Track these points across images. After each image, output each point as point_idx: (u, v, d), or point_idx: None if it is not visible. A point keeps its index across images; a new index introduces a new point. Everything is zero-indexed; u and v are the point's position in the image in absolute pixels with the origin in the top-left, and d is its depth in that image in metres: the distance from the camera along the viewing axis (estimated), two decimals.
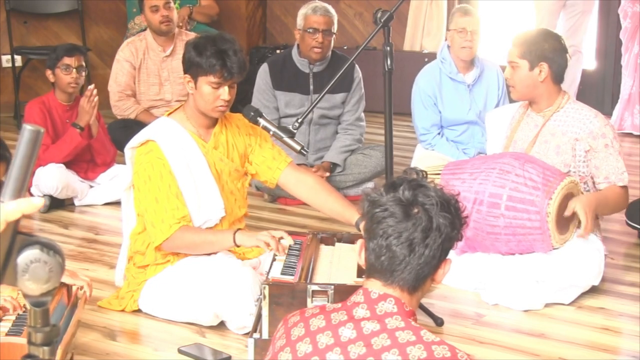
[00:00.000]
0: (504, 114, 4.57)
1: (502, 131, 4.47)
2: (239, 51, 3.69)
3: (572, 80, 7.22)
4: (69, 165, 5.36)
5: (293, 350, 2.05)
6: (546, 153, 4.19)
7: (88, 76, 6.70)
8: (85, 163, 5.48)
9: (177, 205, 3.67)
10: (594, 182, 4.19)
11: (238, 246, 3.66)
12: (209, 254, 3.79)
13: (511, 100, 5.70)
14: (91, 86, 5.31)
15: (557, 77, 4.21)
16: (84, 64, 5.38)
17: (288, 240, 3.55)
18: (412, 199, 2.05)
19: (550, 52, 4.18)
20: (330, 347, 2.00)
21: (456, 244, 2.13)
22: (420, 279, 2.06)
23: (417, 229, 2.03)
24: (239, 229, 3.72)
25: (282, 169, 3.88)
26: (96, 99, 5.26)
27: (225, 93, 3.69)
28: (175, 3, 6.61)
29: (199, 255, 3.78)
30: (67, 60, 5.30)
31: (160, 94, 6.10)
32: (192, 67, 3.71)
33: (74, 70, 5.31)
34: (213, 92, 3.69)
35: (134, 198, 3.82)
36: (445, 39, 5.74)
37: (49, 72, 5.37)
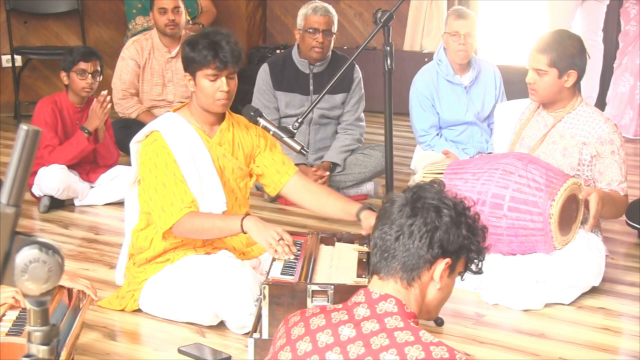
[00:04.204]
0: (514, 108, 4.56)
1: (510, 125, 4.46)
2: (232, 42, 3.70)
3: (594, 74, 7.20)
4: (71, 166, 5.36)
5: (293, 349, 2.05)
6: (552, 154, 4.19)
7: None
8: (88, 165, 5.47)
9: (185, 190, 3.67)
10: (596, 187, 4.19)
11: (245, 233, 3.64)
12: (209, 253, 3.79)
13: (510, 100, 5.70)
14: (104, 92, 5.29)
15: (580, 80, 4.21)
16: (99, 68, 5.36)
17: (292, 249, 3.53)
18: (413, 194, 2.09)
19: (578, 58, 4.14)
20: (330, 347, 2.01)
21: (472, 252, 2.12)
22: (409, 269, 2.07)
23: (403, 216, 2.06)
24: (247, 214, 3.71)
25: (290, 174, 3.89)
26: (109, 105, 5.26)
27: (223, 84, 3.70)
28: None
29: (199, 255, 3.78)
30: (83, 65, 5.27)
31: (163, 94, 6.10)
32: (189, 64, 3.73)
33: (90, 75, 5.29)
34: (212, 85, 3.70)
35: (139, 190, 3.82)
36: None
37: (63, 74, 5.35)
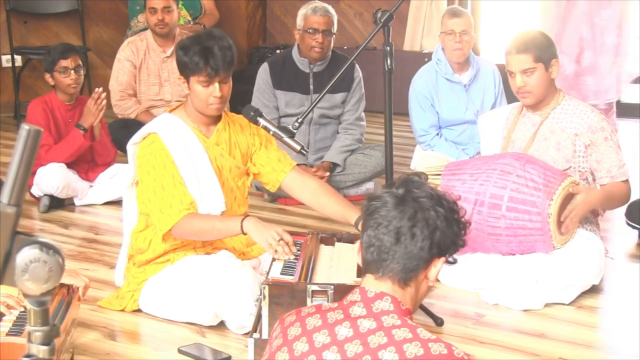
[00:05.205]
0: (497, 116, 4.57)
1: (496, 133, 4.46)
2: (225, 47, 3.69)
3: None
4: (69, 165, 5.36)
5: (290, 350, 2.05)
6: (546, 150, 4.20)
7: (88, 76, 6.71)
8: (86, 164, 5.47)
9: (184, 192, 3.67)
10: (594, 178, 4.19)
11: (245, 234, 3.63)
12: (209, 253, 3.80)
13: (509, 99, 5.70)
14: (99, 89, 5.29)
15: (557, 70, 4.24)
16: (81, 62, 5.37)
17: (292, 249, 3.54)
18: (405, 192, 2.07)
19: (554, 47, 4.22)
20: (327, 346, 2.01)
21: (457, 249, 2.12)
22: (408, 270, 2.06)
23: (404, 218, 2.04)
24: (247, 215, 3.71)
25: (287, 171, 3.88)
26: (104, 102, 5.26)
27: (216, 90, 3.70)
28: (179, 4, 6.58)
29: (199, 255, 3.78)
30: (63, 62, 5.28)
31: (160, 94, 6.10)
32: (182, 69, 3.75)
33: (72, 71, 5.29)
34: (204, 90, 3.71)
35: (137, 192, 3.83)
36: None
37: (47, 76, 5.35)
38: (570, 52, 6.59)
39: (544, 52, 4.15)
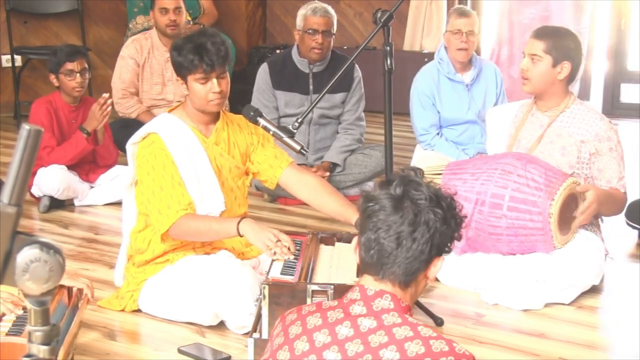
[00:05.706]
0: (505, 112, 4.56)
1: (503, 129, 4.46)
2: (218, 42, 3.69)
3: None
4: (70, 166, 5.35)
5: (291, 349, 2.05)
6: (551, 153, 4.19)
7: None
8: (87, 165, 5.47)
9: (182, 192, 3.67)
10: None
11: (241, 236, 3.64)
12: (209, 253, 3.80)
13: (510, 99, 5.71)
14: (106, 95, 5.27)
15: (573, 77, 4.22)
16: (86, 65, 5.34)
17: (291, 248, 3.54)
18: (403, 194, 2.06)
19: (574, 51, 4.19)
20: (328, 345, 2.01)
21: (453, 243, 2.12)
22: (409, 273, 2.06)
23: (404, 222, 2.03)
24: (243, 217, 3.71)
25: (283, 167, 3.88)
26: (109, 108, 5.25)
27: (214, 86, 3.70)
28: None
29: (199, 255, 3.79)
30: (69, 65, 5.24)
31: (162, 93, 6.09)
32: (178, 69, 3.75)
33: (78, 74, 5.27)
34: (203, 88, 3.72)
35: (136, 192, 3.83)
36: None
37: (52, 77, 5.32)
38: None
39: (558, 48, 4.15)
